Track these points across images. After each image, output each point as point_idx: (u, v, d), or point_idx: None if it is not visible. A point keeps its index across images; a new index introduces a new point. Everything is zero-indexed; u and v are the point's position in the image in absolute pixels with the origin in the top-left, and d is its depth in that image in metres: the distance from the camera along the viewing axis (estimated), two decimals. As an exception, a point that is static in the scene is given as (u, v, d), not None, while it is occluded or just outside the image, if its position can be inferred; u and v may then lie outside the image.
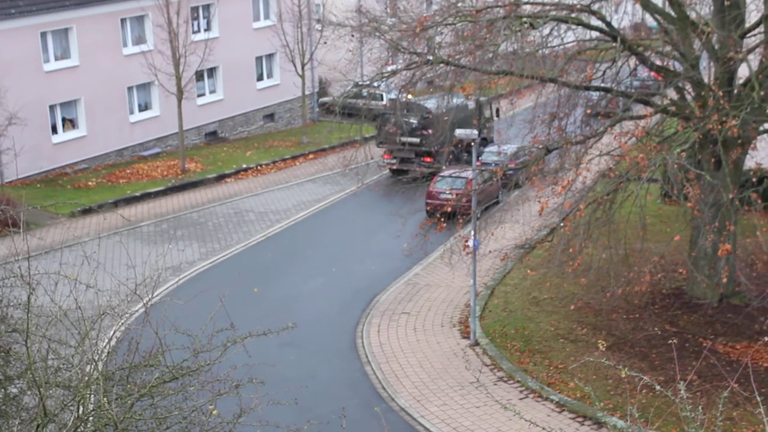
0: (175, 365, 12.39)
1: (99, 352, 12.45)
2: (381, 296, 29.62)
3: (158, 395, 12.12)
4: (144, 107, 45.15)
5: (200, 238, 34.84)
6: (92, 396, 11.75)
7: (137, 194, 39.29)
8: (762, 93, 23.57)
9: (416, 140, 39.48)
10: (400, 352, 25.63)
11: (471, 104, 38.66)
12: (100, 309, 12.84)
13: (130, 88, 43.87)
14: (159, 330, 12.62)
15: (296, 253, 33.42)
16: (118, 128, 43.51)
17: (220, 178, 42.68)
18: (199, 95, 47.29)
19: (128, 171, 42.18)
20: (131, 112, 44.29)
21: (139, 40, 43.54)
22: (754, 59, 25.81)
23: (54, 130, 41.13)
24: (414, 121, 40.21)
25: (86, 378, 11.76)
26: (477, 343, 25.75)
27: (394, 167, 41.83)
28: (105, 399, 10.98)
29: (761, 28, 25.11)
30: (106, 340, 13.01)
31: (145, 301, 13.17)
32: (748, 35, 25.63)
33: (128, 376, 12.27)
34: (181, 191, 40.74)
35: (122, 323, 13.41)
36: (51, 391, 11.55)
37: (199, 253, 33.25)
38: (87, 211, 36.35)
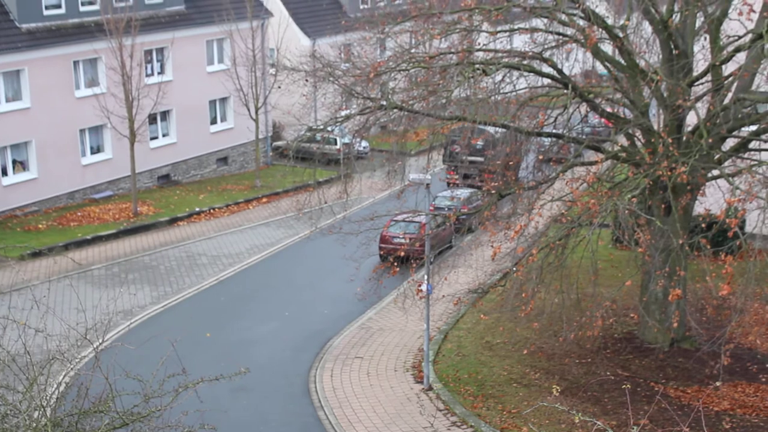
0: (126, 411, 12.27)
1: (47, 397, 12.30)
2: (334, 340, 29.51)
3: (108, 442, 11.97)
4: (96, 150, 44.87)
5: (152, 281, 34.55)
6: (40, 443, 11.57)
7: (88, 237, 38.93)
8: (710, 140, 23.96)
9: (480, 159, 42.23)
10: (354, 396, 25.51)
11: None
12: (49, 354, 12.70)
13: (82, 131, 43.62)
14: (109, 375, 12.50)
15: (249, 297, 33.25)
16: (70, 171, 43.18)
17: (173, 221, 42.44)
18: (152, 138, 47.13)
19: (79, 214, 41.81)
20: (83, 155, 43.98)
21: (92, 82, 43.39)
22: (702, 107, 26.26)
23: (4, 172, 40.72)
24: (480, 143, 42.36)
25: (34, 424, 11.60)
26: (430, 388, 25.70)
27: (456, 182, 45.25)
28: (53, 446, 10.84)
29: (709, 77, 25.57)
30: (55, 386, 12.88)
31: (95, 346, 13.06)
32: (696, 83, 26.08)
33: (77, 423, 12.12)
34: (133, 234, 40.44)
35: (72, 368, 13.28)
36: (-2, 438, 11.37)
37: (151, 297, 32.96)
38: (37, 255, 35.96)
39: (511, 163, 28.14)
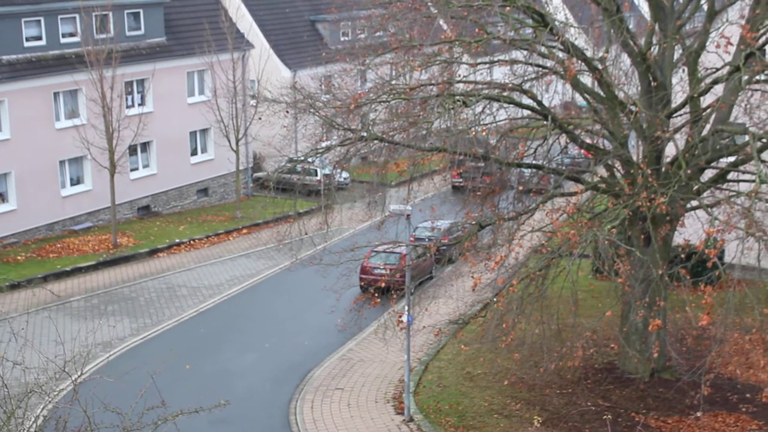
0: (104, 444, 12.17)
1: (25, 431, 12.19)
2: (315, 372, 29.40)
3: (86, 475, 11.88)
4: (76, 181, 44.74)
5: (131, 313, 34.37)
6: (17, 477, 11.47)
7: (67, 269, 38.72)
8: (689, 171, 24.12)
9: (482, 164, 42.76)
10: (334, 428, 25.39)
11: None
12: (27, 387, 12.60)
13: (62, 162, 43.50)
14: (88, 408, 12.42)
15: (229, 329, 33.11)
16: (49, 202, 43.01)
17: (153, 252, 42.29)
18: (133, 169, 47.04)
19: (59, 245, 41.61)
20: (63, 186, 43.85)
21: (72, 114, 43.33)
22: (681, 138, 26.44)
23: (-17, 203, 40.57)
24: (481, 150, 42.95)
25: (11, 458, 11.49)
26: (411, 419, 25.61)
27: (461, 184, 44.91)
28: (31, 480, 10.75)
29: (687, 109, 25.78)
30: (33, 419, 12.76)
31: (73, 379, 12.97)
32: (675, 115, 26.27)
33: (55, 456, 12.02)
34: (112, 266, 40.25)
35: (50, 401, 13.17)
36: (-26, 472, 11.26)
37: (130, 328, 32.77)
38: (15, 287, 35.69)
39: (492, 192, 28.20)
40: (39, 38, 42.07)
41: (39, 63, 41.80)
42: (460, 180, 46.97)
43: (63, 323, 32.31)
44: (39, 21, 42.02)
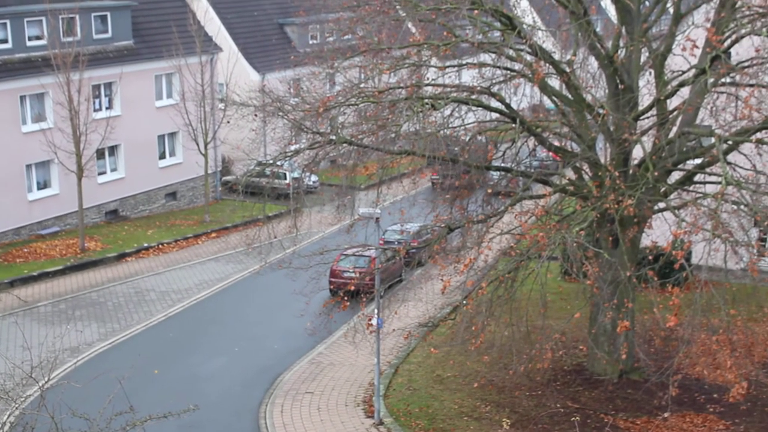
0: (72, 450, 12.10)
1: (-8, 437, 12.10)
2: (284, 376, 29.34)
3: (53, 482, 11.81)
4: (43, 185, 44.41)
5: (99, 318, 34.15)
6: (-16, 484, 11.39)
7: (34, 274, 38.41)
8: (656, 173, 24.27)
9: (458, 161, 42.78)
10: (304, 432, 25.38)
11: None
12: (-7, 393, 12.50)
13: (28, 166, 43.13)
14: (55, 414, 12.33)
15: (198, 333, 32.98)
16: (16, 206, 42.65)
17: (121, 257, 42.04)
18: (100, 173, 46.73)
19: (25, 250, 41.28)
20: (30, 191, 43.49)
21: (39, 117, 42.99)
22: (648, 141, 26.62)
23: (-52, 208, 40.16)
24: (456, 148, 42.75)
25: (-22, 465, 11.41)
26: (381, 423, 25.61)
27: (439, 182, 46.01)
28: (-3, 487, 10.67)
29: (654, 111, 25.95)
30: (0, 425, 12.65)
31: (41, 384, 12.88)
32: (642, 117, 26.45)
33: (22, 463, 11.93)
34: (80, 271, 39.98)
35: (17, 407, 13.07)
36: (-60, 480, 11.18)
37: (99, 333, 32.56)
38: (-19, 292, 35.42)
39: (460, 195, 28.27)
40: (5, 41, 41.73)
41: (5, 66, 41.46)
42: (438, 177, 47.06)
43: (30, 329, 32.05)
44: (5, 24, 41.67)
